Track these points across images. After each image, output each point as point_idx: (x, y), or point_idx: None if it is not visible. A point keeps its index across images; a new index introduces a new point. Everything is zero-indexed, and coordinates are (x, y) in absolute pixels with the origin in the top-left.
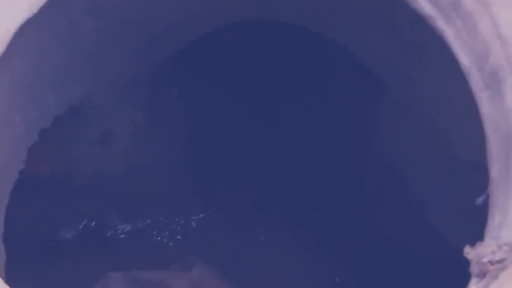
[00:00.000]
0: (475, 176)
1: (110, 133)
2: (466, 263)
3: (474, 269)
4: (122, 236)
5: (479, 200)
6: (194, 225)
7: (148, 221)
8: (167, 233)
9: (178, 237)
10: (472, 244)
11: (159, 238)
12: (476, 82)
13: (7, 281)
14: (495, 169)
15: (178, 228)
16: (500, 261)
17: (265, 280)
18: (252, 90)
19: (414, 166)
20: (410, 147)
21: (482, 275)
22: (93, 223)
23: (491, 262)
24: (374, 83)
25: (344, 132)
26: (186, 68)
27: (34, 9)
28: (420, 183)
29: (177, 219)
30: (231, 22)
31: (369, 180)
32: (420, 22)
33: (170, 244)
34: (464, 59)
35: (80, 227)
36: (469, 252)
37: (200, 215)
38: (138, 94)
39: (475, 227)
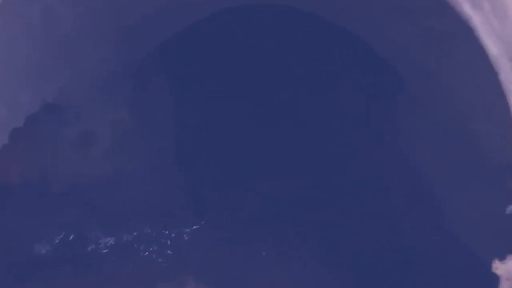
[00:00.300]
0: (505, 180)
1: (90, 134)
2: (495, 279)
3: (504, 286)
4: (105, 251)
5: (510, 208)
6: (186, 238)
7: (134, 233)
8: (155, 247)
9: (169, 251)
10: (502, 258)
11: (146, 253)
12: (506, 73)
13: None
14: None
15: (168, 242)
16: None
17: None
18: (251, 83)
19: (437, 169)
20: (433, 147)
21: None
22: (72, 236)
23: None
24: (391, 76)
25: (359, 131)
26: (175, 60)
27: None
28: (444, 188)
29: (167, 232)
30: (226, 8)
31: (387, 184)
32: (444, 6)
33: (159, 260)
34: (493, 47)
35: (57, 241)
36: (499, 267)
37: (193, 227)
38: (121, 90)
39: (506, 238)
